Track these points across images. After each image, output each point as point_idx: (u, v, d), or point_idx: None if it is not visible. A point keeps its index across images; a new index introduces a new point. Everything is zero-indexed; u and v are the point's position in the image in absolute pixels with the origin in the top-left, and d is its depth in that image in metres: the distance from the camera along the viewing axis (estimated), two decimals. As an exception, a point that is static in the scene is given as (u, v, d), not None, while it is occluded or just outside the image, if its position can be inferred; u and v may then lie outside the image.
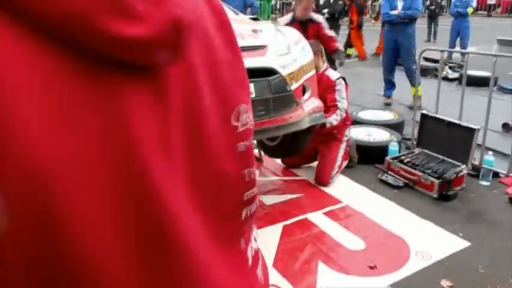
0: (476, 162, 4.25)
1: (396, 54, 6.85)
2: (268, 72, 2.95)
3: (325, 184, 4.02)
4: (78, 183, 0.44)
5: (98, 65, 0.45)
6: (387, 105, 6.73)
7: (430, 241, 3.17)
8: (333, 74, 4.12)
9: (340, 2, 8.80)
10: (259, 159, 4.59)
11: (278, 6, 24.67)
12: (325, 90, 3.95)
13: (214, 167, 0.61)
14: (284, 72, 3.02)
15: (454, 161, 4.06)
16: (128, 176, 0.48)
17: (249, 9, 8.05)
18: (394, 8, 6.69)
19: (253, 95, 2.83)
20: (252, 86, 2.83)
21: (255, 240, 0.74)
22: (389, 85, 7.04)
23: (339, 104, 4.01)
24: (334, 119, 3.96)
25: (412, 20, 6.69)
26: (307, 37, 3.78)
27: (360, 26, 11.14)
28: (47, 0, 0.40)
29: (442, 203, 3.74)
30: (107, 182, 0.46)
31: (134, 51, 0.46)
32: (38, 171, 0.41)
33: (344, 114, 4.06)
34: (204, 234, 0.58)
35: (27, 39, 0.40)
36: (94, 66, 0.44)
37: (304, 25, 5.01)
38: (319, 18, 5.29)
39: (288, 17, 5.36)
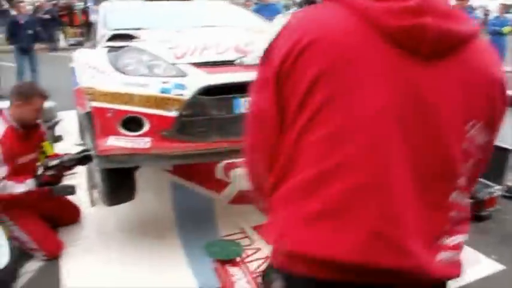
0: (511, 183, 4.15)
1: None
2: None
3: None
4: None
5: (410, 56, 0.95)
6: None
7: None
8: None
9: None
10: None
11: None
12: None
13: (444, 147, 0.96)
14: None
15: (487, 181, 3.97)
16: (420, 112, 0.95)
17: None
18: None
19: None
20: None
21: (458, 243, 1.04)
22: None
23: None
24: None
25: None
26: None
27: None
28: (393, 21, 0.94)
29: (474, 224, 3.65)
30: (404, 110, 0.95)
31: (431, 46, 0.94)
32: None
33: None
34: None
35: (377, 37, 0.95)
36: (407, 56, 0.95)
37: None
38: None
39: None
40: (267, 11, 7.62)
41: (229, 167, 4.66)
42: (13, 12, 10.10)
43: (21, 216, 3.25)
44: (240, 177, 4.51)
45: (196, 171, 4.39)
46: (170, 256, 3.18)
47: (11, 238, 3.13)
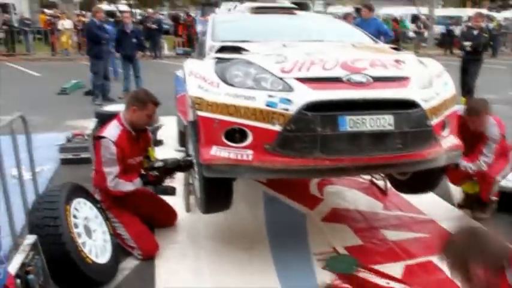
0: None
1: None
2: (409, 104, 2.84)
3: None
4: None
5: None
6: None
7: None
8: (492, 129, 3.83)
9: (486, 35, 8.27)
10: (383, 192, 4.43)
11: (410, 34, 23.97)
12: (477, 137, 3.79)
13: None
14: (425, 106, 2.89)
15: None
16: None
17: (382, 38, 7.91)
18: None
19: (391, 128, 2.74)
20: (391, 117, 2.74)
21: None
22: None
23: (482, 158, 3.78)
24: (468, 167, 3.76)
25: None
26: None
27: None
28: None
29: None
30: None
31: None
32: None
33: (483, 169, 3.80)
34: None
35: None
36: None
37: None
38: None
39: None
40: (367, 26, 7.48)
41: (323, 183, 4.61)
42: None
43: (126, 215, 3.43)
44: (333, 195, 4.44)
45: (290, 185, 4.39)
46: (260, 269, 3.17)
47: (114, 235, 3.30)
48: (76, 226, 2.96)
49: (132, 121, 3.46)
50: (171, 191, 3.66)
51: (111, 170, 3.30)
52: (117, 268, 3.18)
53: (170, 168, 3.50)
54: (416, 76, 3.02)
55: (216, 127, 2.75)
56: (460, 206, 4.27)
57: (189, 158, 3.44)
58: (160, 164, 3.49)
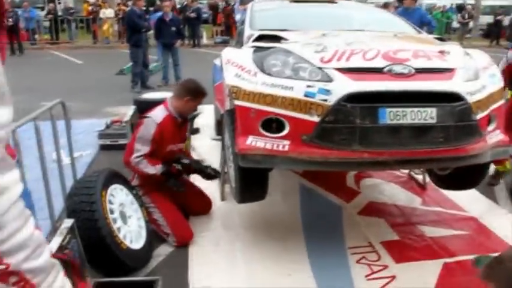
0: None
1: None
2: (453, 97, 2.73)
3: None
4: None
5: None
6: None
7: None
8: None
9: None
10: (422, 187, 4.32)
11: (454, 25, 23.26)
12: None
13: None
14: (471, 99, 2.77)
15: None
16: None
17: (425, 28, 7.68)
18: None
19: (434, 121, 2.64)
20: (434, 111, 2.64)
21: None
22: None
23: None
24: None
25: None
26: None
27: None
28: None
29: None
30: None
31: None
32: None
33: None
34: None
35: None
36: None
37: None
38: None
39: None
40: (410, 15, 7.27)
41: (360, 176, 4.53)
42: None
43: (163, 201, 3.48)
44: (370, 188, 4.36)
45: (326, 177, 4.33)
46: (294, 259, 3.16)
47: (149, 221, 3.33)
48: (112, 212, 3.00)
49: (180, 110, 3.54)
50: (179, 187, 3.53)
51: (141, 148, 3.36)
52: (151, 254, 3.22)
53: (194, 169, 3.62)
54: (461, 68, 2.90)
55: (253, 117, 2.72)
56: (491, 184, 4.41)
57: (216, 173, 3.70)
58: (187, 161, 3.57)
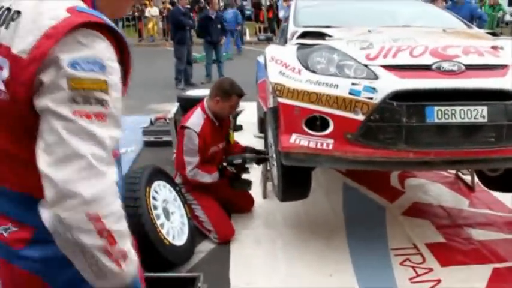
0: None
1: None
2: (506, 95, 2.62)
3: None
4: None
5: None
6: None
7: None
8: None
9: None
10: (470, 188, 4.17)
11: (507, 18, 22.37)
12: None
13: None
14: (525, 97, 2.65)
15: None
16: None
17: (475, 22, 7.44)
18: None
19: (485, 120, 2.55)
20: (485, 109, 2.54)
21: None
22: None
23: None
24: None
25: None
26: None
27: None
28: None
29: None
30: None
31: None
32: None
33: None
34: None
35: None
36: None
37: None
38: None
39: None
40: (459, 9, 7.06)
41: (404, 176, 4.43)
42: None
43: (206, 198, 3.50)
44: (415, 188, 4.26)
45: (370, 176, 4.25)
46: (336, 259, 3.11)
47: (191, 217, 3.37)
48: (155, 208, 3.04)
49: (215, 111, 3.51)
50: (247, 186, 3.76)
51: (191, 160, 3.37)
52: (193, 251, 3.24)
53: (248, 163, 3.62)
54: (515, 64, 2.78)
55: (297, 114, 2.69)
56: None
57: (265, 155, 3.58)
58: (239, 161, 3.55)
